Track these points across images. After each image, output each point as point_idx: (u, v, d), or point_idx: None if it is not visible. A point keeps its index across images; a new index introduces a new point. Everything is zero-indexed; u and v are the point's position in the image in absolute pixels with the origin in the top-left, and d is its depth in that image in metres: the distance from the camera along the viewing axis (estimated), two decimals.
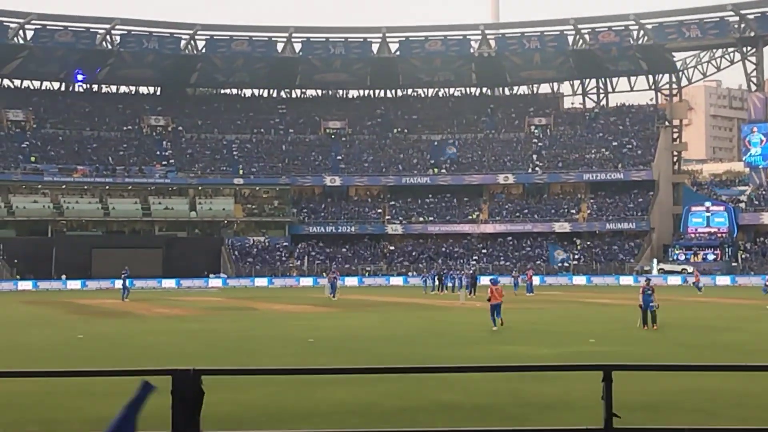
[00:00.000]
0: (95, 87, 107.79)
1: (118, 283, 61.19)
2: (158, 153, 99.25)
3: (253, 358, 22.85)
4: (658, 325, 30.34)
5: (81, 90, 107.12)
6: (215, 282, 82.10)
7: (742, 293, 59.38)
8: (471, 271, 67.65)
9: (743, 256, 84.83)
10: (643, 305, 30.87)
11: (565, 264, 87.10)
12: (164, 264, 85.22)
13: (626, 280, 78.89)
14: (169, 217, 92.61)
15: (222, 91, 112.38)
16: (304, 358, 22.92)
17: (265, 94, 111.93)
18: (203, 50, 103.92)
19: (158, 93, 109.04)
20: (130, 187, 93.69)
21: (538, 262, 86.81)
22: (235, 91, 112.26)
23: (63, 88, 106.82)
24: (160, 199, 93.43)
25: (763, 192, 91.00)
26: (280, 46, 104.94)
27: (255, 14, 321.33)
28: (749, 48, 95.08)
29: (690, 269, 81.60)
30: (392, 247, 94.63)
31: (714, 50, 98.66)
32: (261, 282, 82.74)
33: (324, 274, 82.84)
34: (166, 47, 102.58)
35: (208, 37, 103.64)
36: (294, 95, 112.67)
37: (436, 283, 66.14)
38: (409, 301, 51.25)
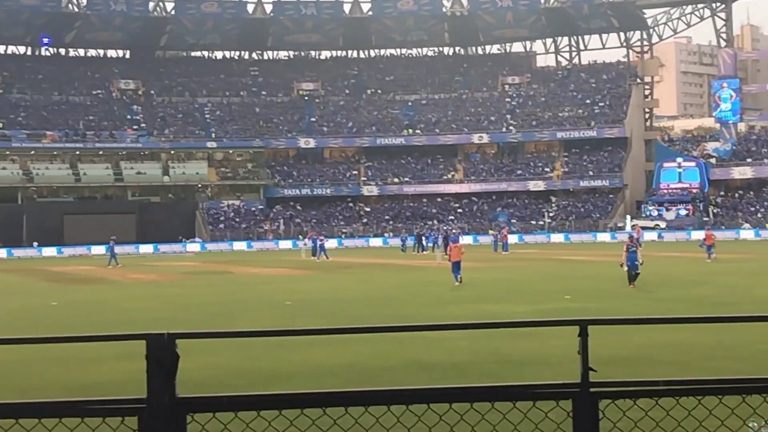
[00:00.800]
0: (62, 51, 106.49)
1: (96, 249, 60.84)
2: (129, 117, 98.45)
3: (230, 322, 22.85)
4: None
5: (48, 54, 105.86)
6: (192, 246, 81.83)
7: (716, 247, 59.72)
8: (445, 232, 67.84)
9: (715, 211, 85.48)
10: (629, 262, 29.48)
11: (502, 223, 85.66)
12: (138, 229, 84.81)
13: (602, 236, 79.46)
14: (142, 182, 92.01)
15: (192, 54, 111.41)
16: (281, 320, 22.94)
17: (237, 57, 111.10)
18: (172, 12, 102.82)
19: (127, 56, 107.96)
20: (101, 152, 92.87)
21: (513, 221, 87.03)
22: (206, 53, 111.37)
23: (29, 53, 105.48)
24: (132, 163, 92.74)
25: (734, 147, 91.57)
26: (250, 8, 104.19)
27: None
28: (718, 4, 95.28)
29: (663, 225, 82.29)
30: (368, 209, 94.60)
31: (684, 7, 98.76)
32: (237, 246, 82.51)
33: (300, 236, 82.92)
34: (135, 9, 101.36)
35: None
36: (266, 57, 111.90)
37: (415, 243, 66.00)
38: (386, 262, 51.35)
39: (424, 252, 62.79)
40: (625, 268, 29.65)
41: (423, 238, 66.69)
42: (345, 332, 4.33)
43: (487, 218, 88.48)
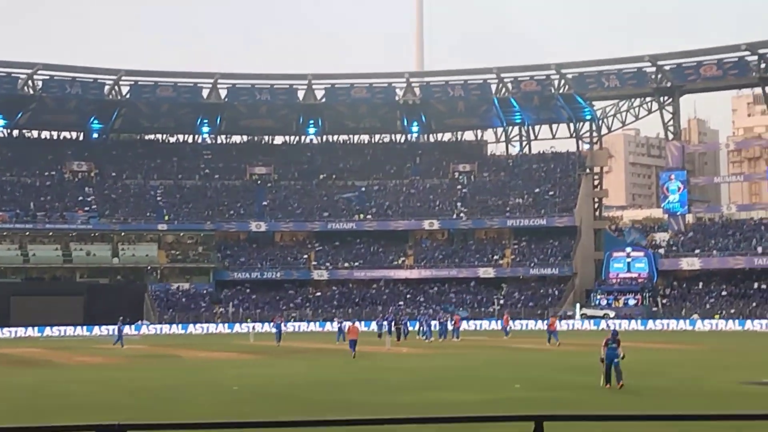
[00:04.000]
0: (16, 132, 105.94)
1: (48, 331, 59.65)
2: (80, 199, 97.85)
3: (176, 407, 22.51)
4: (624, 382, 26.16)
5: (2, 135, 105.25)
6: (140, 329, 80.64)
7: (664, 338, 60.25)
8: (397, 317, 67.18)
9: (663, 301, 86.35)
10: (606, 359, 26.75)
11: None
12: (86, 311, 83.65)
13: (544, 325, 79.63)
14: (91, 264, 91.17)
15: (146, 137, 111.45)
16: (228, 406, 22.66)
17: (191, 140, 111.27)
18: (128, 96, 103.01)
19: (81, 138, 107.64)
20: (50, 234, 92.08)
21: (461, 308, 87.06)
22: (160, 136, 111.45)
23: None
24: (81, 245, 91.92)
25: (682, 238, 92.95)
26: (205, 92, 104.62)
27: (180, 61, 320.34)
28: (666, 98, 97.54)
29: (612, 314, 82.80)
30: (318, 293, 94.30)
31: (633, 99, 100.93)
32: (185, 329, 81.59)
33: (248, 319, 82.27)
34: (90, 92, 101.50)
35: (133, 82, 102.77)
36: (220, 141, 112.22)
37: (393, 330, 58.90)
38: (336, 348, 51.01)
39: (406, 338, 58.93)
40: (603, 364, 26.98)
41: (401, 323, 61.96)
42: (294, 425, 4.34)
43: (436, 305, 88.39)
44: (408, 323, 64.36)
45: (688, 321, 78.88)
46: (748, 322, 76.95)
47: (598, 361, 27.01)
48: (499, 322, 70.99)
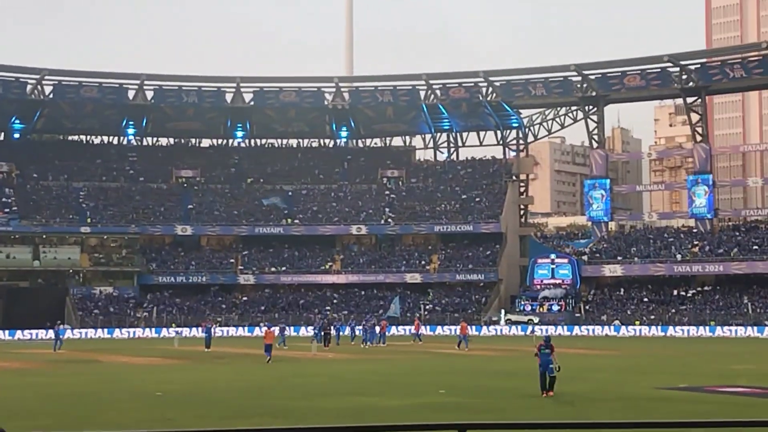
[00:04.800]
0: None
1: None
2: (0, 200, 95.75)
3: (100, 414, 22.17)
4: (555, 391, 26.21)
5: None
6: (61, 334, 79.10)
7: (587, 343, 61.06)
8: (325, 323, 67.01)
9: (586, 307, 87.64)
10: (540, 366, 26.73)
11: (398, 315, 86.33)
12: (4, 315, 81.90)
13: (478, 330, 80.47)
14: (11, 267, 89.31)
15: (70, 138, 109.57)
16: (152, 412, 22.39)
17: (115, 142, 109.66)
18: (50, 95, 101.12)
19: (2, 138, 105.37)
20: None
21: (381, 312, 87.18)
22: (84, 137, 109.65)
23: None
24: (1, 247, 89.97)
25: (604, 245, 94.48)
26: (131, 94, 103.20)
27: (106, 61, 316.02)
28: (591, 107, 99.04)
29: (536, 320, 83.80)
30: (245, 298, 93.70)
31: (558, 108, 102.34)
32: (107, 333, 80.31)
33: (172, 324, 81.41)
34: (12, 92, 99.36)
35: (56, 82, 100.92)
36: (145, 143, 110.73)
37: (321, 335, 59.83)
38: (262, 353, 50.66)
39: (335, 344, 58.95)
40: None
41: (331, 328, 61.97)
42: None
43: (367, 310, 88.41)
44: (339, 329, 64.33)
45: (612, 327, 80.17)
46: (669, 328, 78.54)
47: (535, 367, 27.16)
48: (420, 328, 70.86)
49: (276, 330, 55.11)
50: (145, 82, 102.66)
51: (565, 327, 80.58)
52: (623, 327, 79.71)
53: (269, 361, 41.75)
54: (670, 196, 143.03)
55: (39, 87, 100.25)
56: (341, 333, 63.60)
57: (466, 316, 77.60)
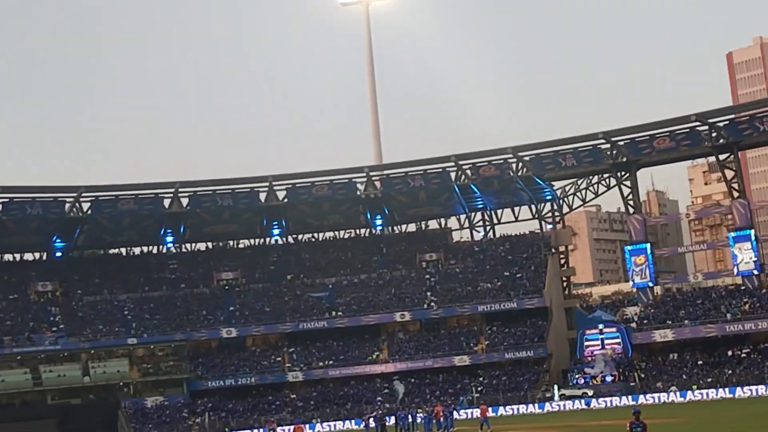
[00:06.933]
0: None
1: None
2: (47, 319, 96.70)
3: None
4: None
5: None
6: None
7: (649, 412, 59.83)
8: (380, 414, 66.55)
9: (641, 375, 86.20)
10: None
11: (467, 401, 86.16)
12: None
13: (531, 408, 79.96)
14: (62, 385, 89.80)
15: (110, 251, 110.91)
16: None
17: (155, 251, 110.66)
18: (89, 212, 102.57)
19: (44, 258, 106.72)
20: (18, 357, 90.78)
21: (442, 397, 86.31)
22: (123, 249, 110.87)
23: None
24: (51, 366, 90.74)
25: (652, 310, 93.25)
26: (167, 202, 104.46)
27: (140, 173, 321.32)
28: (623, 173, 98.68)
29: (590, 392, 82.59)
30: (294, 396, 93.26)
31: (590, 177, 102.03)
32: None
33: (225, 429, 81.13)
34: (51, 212, 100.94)
35: (93, 198, 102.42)
36: (184, 249, 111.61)
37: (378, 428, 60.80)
38: None
39: None
40: None
41: (385, 420, 63.07)
42: None
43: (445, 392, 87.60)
44: (403, 417, 64.10)
45: (672, 393, 78.82)
46: (725, 390, 77.16)
47: None
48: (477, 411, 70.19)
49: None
50: (180, 190, 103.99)
51: (622, 397, 79.42)
52: (681, 393, 78.43)
53: None
54: (714, 254, 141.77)
55: (77, 204, 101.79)
56: (407, 422, 63.43)
57: (487, 399, 78.58)
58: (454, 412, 63.01)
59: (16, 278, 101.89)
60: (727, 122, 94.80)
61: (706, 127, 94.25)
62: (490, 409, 72.48)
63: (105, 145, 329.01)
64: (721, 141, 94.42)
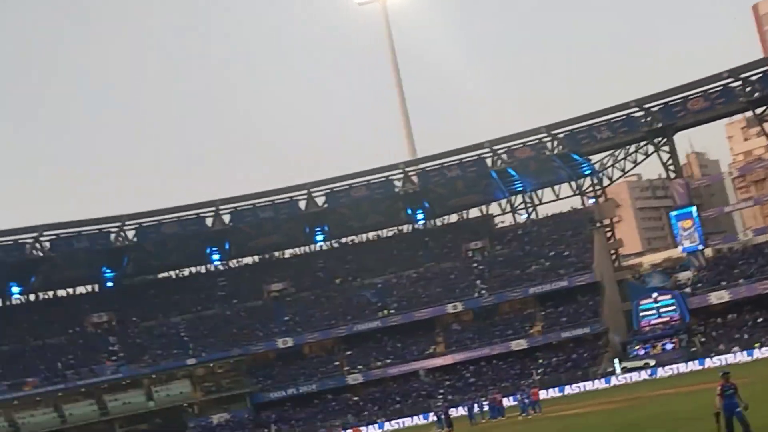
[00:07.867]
0: (32, 296, 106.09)
1: None
2: (106, 349, 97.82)
3: None
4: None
5: (19, 302, 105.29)
6: None
7: (713, 377, 59.31)
8: (445, 406, 66.95)
9: (701, 339, 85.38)
10: (726, 411, 24.04)
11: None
12: None
13: (597, 384, 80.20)
14: (128, 412, 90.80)
15: (159, 275, 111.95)
16: None
17: (203, 270, 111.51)
18: (134, 239, 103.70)
19: (96, 290, 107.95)
20: (83, 389, 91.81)
21: (504, 384, 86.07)
22: (172, 273, 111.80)
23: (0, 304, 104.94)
24: (115, 395, 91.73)
25: (705, 273, 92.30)
26: (209, 221, 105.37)
27: (180, 194, 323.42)
28: (660, 139, 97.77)
29: (652, 362, 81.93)
30: (356, 398, 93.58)
31: (627, 147, 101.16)
32: None
33: None
34: (97, 243, 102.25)
35: (137, 225, 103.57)
36: (232, 265, 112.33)
37: (443, 418, 62.39)
38: None
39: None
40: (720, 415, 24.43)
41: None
42: None
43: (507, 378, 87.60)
44: (470, 407, 65.79)
45: (737, 354, 77.90)
46: None
47: (711, 416, 24.39)
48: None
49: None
50: (220, 207, 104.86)
51: (686, 363, 78.84)
52: (743, 352, 77.56)
53: None
54: (761, 210, 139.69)
55: (122, 233, 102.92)
56: (475, 411, 64.61)
57: (539, 382, 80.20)
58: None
59: (72, 312, 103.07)
60: (761, 75, 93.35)
61: (740, 83, 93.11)
62: (555, 389, 72.51)
63: (148, 171, 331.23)
64: (757, 95, 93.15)
